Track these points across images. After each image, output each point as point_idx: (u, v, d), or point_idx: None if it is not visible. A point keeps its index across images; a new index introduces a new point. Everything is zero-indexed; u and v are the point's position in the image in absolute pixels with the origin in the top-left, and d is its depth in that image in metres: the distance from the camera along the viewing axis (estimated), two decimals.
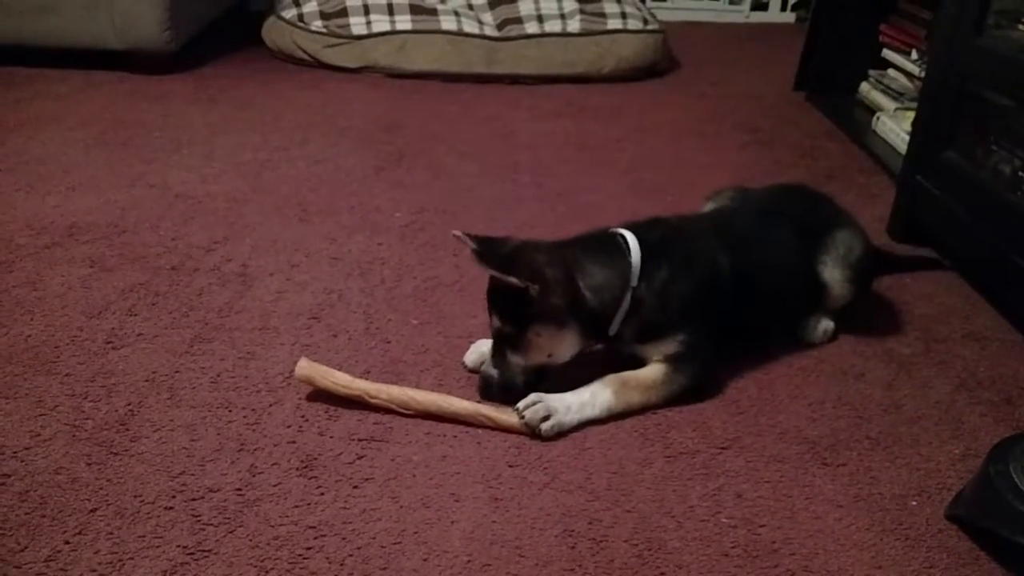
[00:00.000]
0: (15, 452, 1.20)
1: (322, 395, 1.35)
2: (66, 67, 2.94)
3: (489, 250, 1.32)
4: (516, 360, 1.34)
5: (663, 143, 2.61)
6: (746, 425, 1.34)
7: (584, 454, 1.26)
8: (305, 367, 1.34)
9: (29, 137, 2.38)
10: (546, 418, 1.27)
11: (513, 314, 1.31)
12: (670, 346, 1.38)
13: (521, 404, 1.29)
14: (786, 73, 3.23)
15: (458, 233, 1.34)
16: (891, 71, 2.82)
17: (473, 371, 1.42)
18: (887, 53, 2.84)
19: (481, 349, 1.43)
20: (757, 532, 1.13)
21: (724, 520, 1.15)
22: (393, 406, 1.31)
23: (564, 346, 1.34)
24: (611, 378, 1.35)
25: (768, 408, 1.38)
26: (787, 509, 1.18)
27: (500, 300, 1.32)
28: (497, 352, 1.35)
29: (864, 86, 2.92)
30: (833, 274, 1.55)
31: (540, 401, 1.28)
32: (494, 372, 1.35)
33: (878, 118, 2.67)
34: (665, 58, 3.38)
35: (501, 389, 1.34)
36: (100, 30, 2.84)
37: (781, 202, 1.66)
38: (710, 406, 1.37)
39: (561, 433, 1.29)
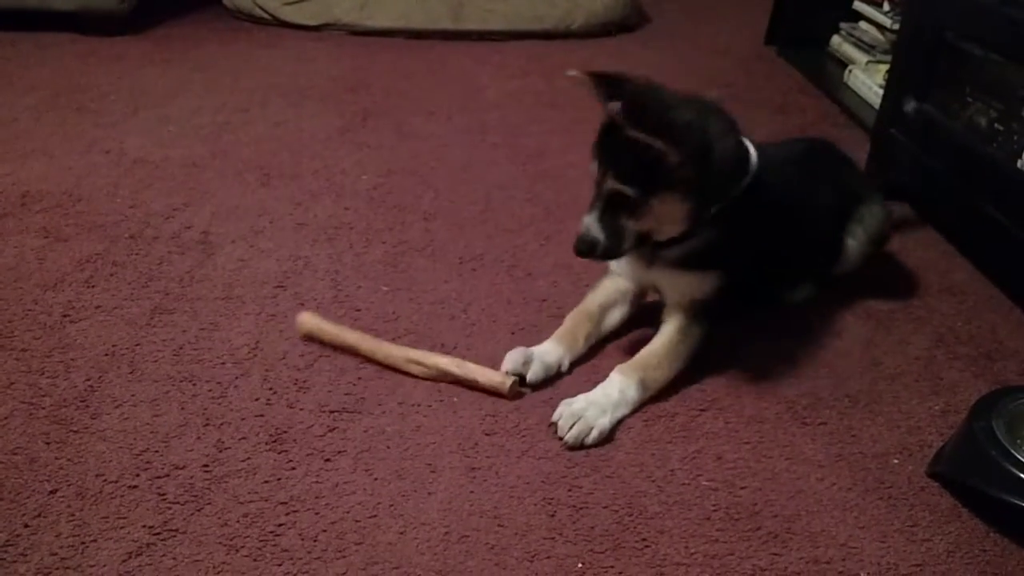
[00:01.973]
0: None
1: (290, 366, 1.31)
2: (13, 29, 2.82)
3: (628, 103, 1.17)
4: (630, 225, 1.24)
5: None
6: (724, 386, 1.32)
7: None
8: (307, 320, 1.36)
9: None
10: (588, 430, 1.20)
11: (638, 176, 1.20)
12: (703, 286, 1.31)
13: (561, 425, 1.20)
14: (757, 27, 3.19)
15: (575, 73, 1.22)
16: (862, 23, 2.78)
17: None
18: (858, 5, 2.80)
19: (522, 357, 1.31)
20: (738, 494, 1.12)
21: (705, 483, 1.13)
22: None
23: (678, 220, 1.25)
24: (630, 367, 1.27)
25: (746, 368, 1.36)
26: (768, 470, 1.16)
27: (622, 158, 1.20)
28: (606, 213, 1.24)
29: (835, 39, 2.89)
30: (853, 245, 1.54)
31: (579, 418, 1.19)
32: (600, 235, 1.24)
33: (850, 71, 2.64)
34: (635, 13, 3.32)
35: (605, 254, 1.26)
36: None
37: (817, 160, 1.59)
38: (688, 368, 1.35)
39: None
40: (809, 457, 1.19)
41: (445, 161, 2.08)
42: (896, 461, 1.19)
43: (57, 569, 0.97)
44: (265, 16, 3.04)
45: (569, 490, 1.11)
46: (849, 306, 1.54)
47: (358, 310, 1.46)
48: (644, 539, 1.04)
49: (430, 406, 1.25)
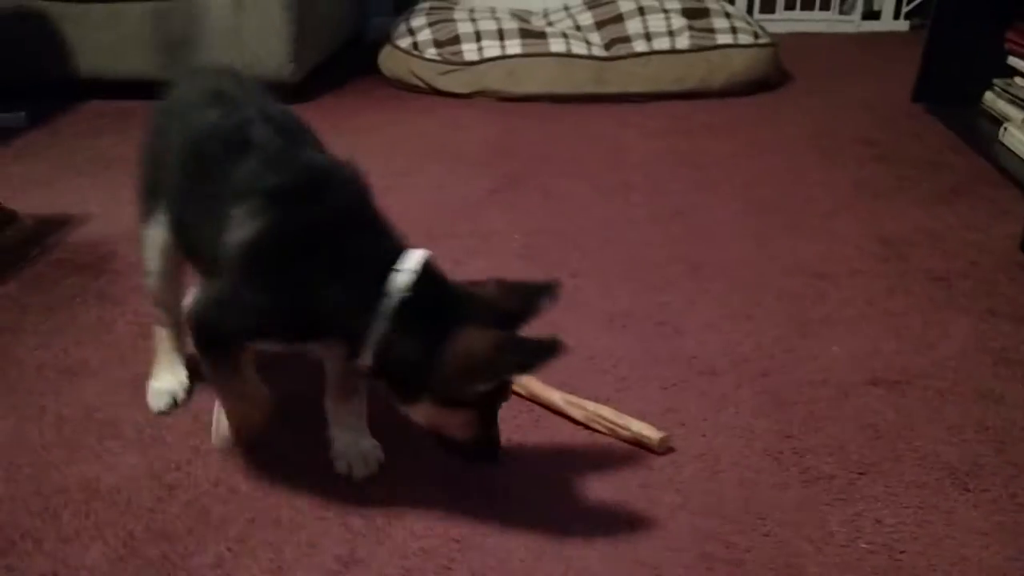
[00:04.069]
0: (178, 465, 1.30)
1: None
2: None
3: None
4: None
5: (778, 159, 2.58)
6: (883, 450, 1.32)
7: (716, 477, 1.27)
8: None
9: None
10: None
11: None
12: None
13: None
14: (902, 83, 3.13)
15: None
16: (1018, 79, 2.71)
17: None
18: (1013, 60, 2.73)
19: None
20: (898, 558, 1.12)
21: (864, 546, 1.14)
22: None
23: None
24: None
25: (905, 432, 1.35)
26: (928, 536, 1.16)
27: None
28: None
29: (988, 95, 2.82)
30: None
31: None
32: None
33: (1005, 129, 2.57)
34: (777, 71, 3.33)
35: None
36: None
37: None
38: (846, 431, 1.36)
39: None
40: (971, 524, 1.17)
41: (590, 220, 2.17)
42: None
43: None
44: (421, 85, 3.24)
45: (726, 547, 1.14)
46: (1010, 371, 1.51)
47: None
48: None
49: (585, 453, 1.31)
